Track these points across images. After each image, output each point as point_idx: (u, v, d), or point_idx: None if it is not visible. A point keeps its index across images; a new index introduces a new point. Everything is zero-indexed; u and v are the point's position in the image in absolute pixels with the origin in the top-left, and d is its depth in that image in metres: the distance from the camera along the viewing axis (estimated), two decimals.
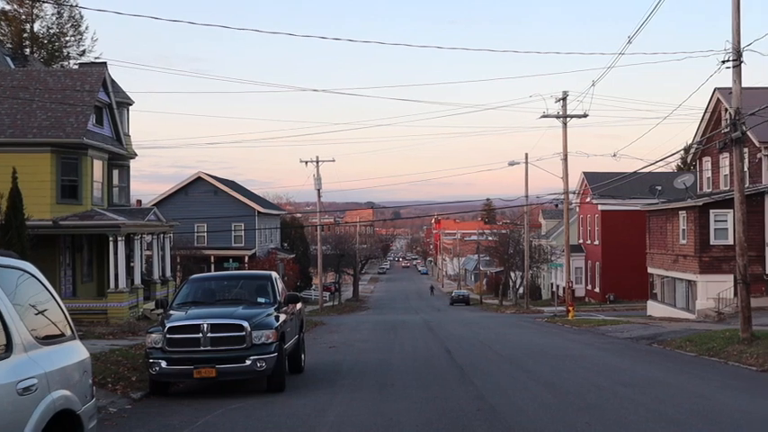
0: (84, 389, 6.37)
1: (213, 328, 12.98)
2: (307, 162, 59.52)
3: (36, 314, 5.99)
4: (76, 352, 6.49)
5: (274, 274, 16.20)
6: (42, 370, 5.58)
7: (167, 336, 13.01)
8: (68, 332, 6.53)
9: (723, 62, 20.05)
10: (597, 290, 61.82)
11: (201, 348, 12.94)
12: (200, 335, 12.93)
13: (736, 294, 26.60)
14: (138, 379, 14.22)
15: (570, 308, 40.83)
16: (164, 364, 12.93)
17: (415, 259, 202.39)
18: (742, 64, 19.84)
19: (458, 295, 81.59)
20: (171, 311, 14.23)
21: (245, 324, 13.07)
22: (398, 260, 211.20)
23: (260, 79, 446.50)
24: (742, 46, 19.75)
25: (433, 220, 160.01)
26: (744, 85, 20.74)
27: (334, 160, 61.96)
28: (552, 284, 68.88)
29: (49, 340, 6.03)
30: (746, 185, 30.54)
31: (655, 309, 41.98)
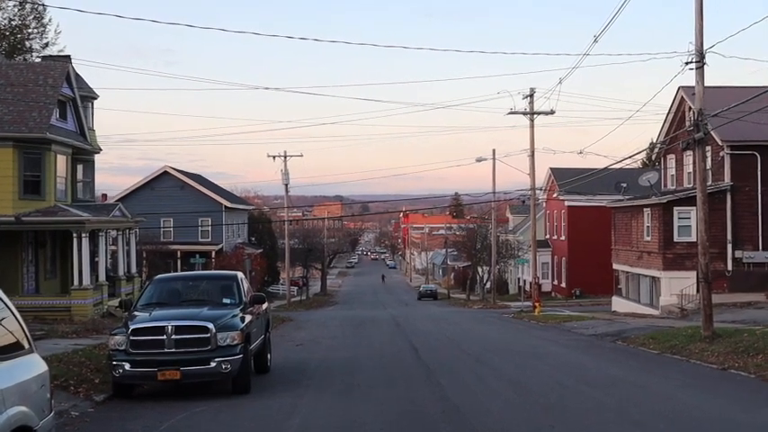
0: (41, 403, 6.28)
1: (178, 329, 12.88)
2: (274, 157, 59.26)
3: None
4: (34, 365, 6.39)
5: (240, 275, 16.12)
6: None
7: (131, 338, 12.88)
8: (26, 345, 6.43)
9: (686, 63, 20.30)
10: (563, 285, 62.36)
11: (166, 350, 12.82)
12: (165, 336, 12.82)
13: (698, 291, 26.95)
14: (101, 381, 14.04)
15: (537, 303, 41.16)
16: (127, 366, 12.80)
17: (383, 253, 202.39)
18: (705, 66, 20.09)
19: (426, 290, 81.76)
20: (135, 312, 14.10)
21: (210, 326, 12.99)
22: (367, 254, 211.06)
23: (230, 71, 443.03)
24: (705, 48, 19.99)
25: (401, 215, 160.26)
26: (707, 84, 21.01)
27: (302, 155, 62.01)
28: (519, 279, 69.33)
29: (4, 355, 5.92)
30: (709, 183, 30.99)
31: (619, 304, 42.44)
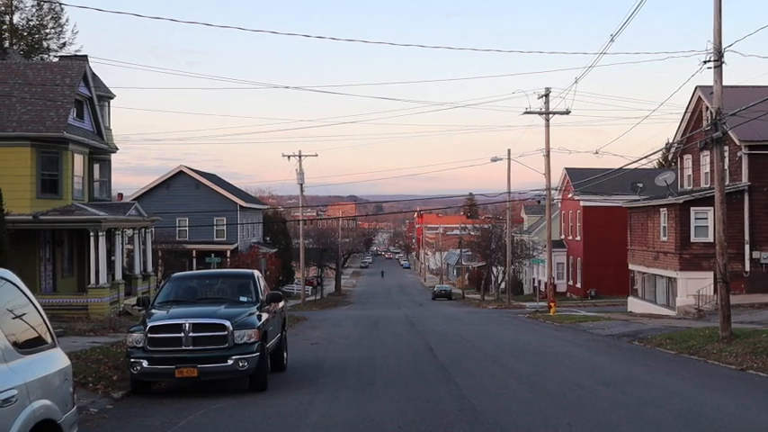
0: (64, 397, 6.34)
1: (195, 327, 12.94)
2: (289, 156, 59.35)
3: (15, 323, 5.95)
4: (57, 360, 6.46)
5: (257, 273, 16.17)
6: (22, 380, 5.55)
7: (149, 335, 12.96)
8: (49, 340, 6.50)
9: (704, 62, 20.16)
10: (578, 285, 62.14)
11: (183, 348, 12.90)
12: (182, 334, 12.89)
13: (715, 292, 26.83)
14: (119, 378, 14.14)
15: (552, 304, 41.04)
16: (145, 363, 12.88)
17: (398, 253, 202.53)
18: (723, 64, 19.95)
19: (440, 290, 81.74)
20: (152, 310, 14.17)
21: (228, 323, 13.04)
22: (381, 254, 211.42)
23: (248, 72, 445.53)
24: (723, 47, 19.86)
25: (415, 215, 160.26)
26: (725, 83, 20.86)
27: (316, 155, 62.41)
28: (534, 280, 69.15)
29: (29, 349, 5.99)
30: (727, 183, 30.78)
31: (635, 305, 42.25)
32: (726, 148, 31.72)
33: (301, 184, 60.64)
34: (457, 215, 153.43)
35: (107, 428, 10.81)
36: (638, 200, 43.82)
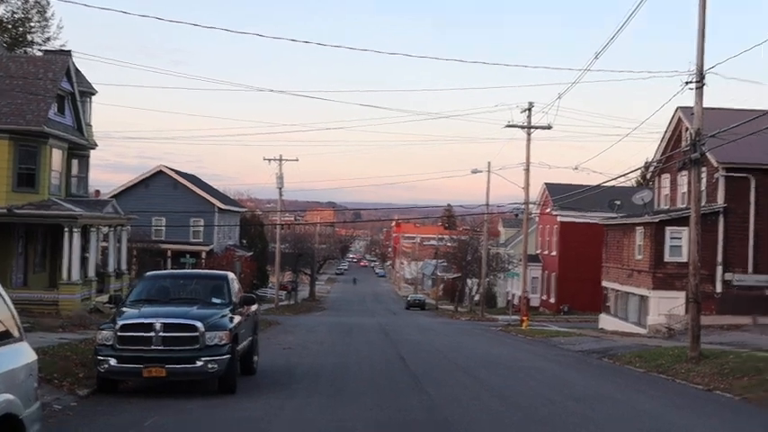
0: (28, 392, 6.25)
1: (166, 327, 12.84)
2: (270, 160, 59.26)
3: None
4: (23, 354, 6.36)
5: (231, 275, 16.07)
6: None
7: (119, 333, 12.84)
8: (16, 333, 6.40)
9: (687, 83, 20.35)
10: (552, 300, 62.41)
11: (153, 347, 12.78)
12: (153, 334, 12.78)
13: (687, 311, 26.99)
14: (85, 375, 13.96)
15: (524, 318, 41.17)
16: (113, 361, 12.75)
17: (374, 261, 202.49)
18: (704, 86, 20.15)
19: (414, 299, 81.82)
20: (124, 308, 14.05)
21: (199, 324, 12.95)
22: (357, 262, 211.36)
23: (233, 73, 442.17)
24: (705, 68, 20.06)
25: (393, 223, 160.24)
26: (705, 105, 21.04)
27: (297, 159, 62.18)
28: (508, 293, 69.37)
29: None
30: (703, 204, 31.06)
31: (607, 322, 42.47)
32: (704, 169, 32.01)
33: (280, 189, 60.53)
34: (435, 225, 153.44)
35: (71, 425, 10.67)
36: (615, 217, 44.11)
